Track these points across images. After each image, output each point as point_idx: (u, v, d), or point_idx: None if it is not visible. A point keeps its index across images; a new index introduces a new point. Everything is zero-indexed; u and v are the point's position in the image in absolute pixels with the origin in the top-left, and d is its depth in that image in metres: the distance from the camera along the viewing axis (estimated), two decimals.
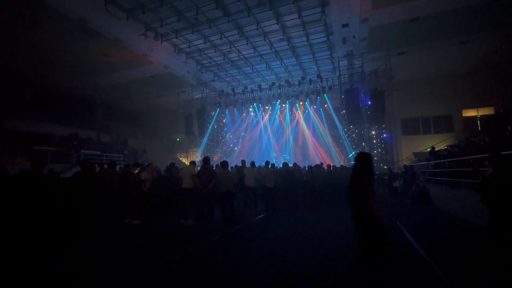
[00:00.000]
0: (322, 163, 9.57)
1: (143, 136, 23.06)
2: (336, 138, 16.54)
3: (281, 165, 16.20)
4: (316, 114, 17.34)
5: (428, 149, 13.43)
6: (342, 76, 15.01)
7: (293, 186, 7.50)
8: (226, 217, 5.51)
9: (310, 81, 15.65)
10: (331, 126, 16.69)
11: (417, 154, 16.12)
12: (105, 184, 5.11)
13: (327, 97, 15.51)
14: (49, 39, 12.34)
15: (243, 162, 8.05)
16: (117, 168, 6.23)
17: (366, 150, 14.47)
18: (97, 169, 8.50)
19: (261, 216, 6.58)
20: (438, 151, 11.10)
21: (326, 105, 16.59)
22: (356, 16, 11.03)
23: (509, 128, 8.67)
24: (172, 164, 7.62)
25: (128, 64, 15.07)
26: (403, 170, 10.71)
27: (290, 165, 10.54)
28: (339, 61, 14.62)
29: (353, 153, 14.30)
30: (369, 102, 14.39)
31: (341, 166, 10.51)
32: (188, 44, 13.42)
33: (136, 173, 6.19)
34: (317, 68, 16.21)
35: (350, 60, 14.61)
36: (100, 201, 4.84)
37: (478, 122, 16.63)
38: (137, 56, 14.09)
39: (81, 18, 10.80)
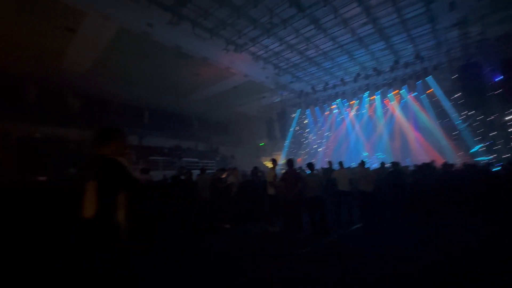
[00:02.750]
0: (433, 161, 7.63)
1: (231, 143, 25.03)
2: (449, 129, 13.20)
3: (374, 165, 14.27)
4: (417, 103, 14.41)
5: None
6: (452, 51, 11.93)
7: (397, 191, 6.10)
8: (316, 226, 4.94)
9: (406, 64, 13.13)
10: (440, 114, 13.44)
11: None
12: (198, 189, 5.52)
13: (432, 80, 12.60)
14: (155, 69, 14.97)
15: (329, 163, 7.27)
16: (207, 173, 6.66)
17: (497, 142, 10.89)
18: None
19: (357, 226, 5.65)
20: None
21: (430, 90, 13.56)
22: None
23: None
24: (255, 168, 7.65)
25: (214, 78, 16.62)
26: None
27: (387, 165, 8.97)
28: (446, 33, 11.67)
29: (479, 146, 11.01)
30: (499, 78, 10.80)
31: (465, 164, 7.99)
32: (264, 49, 13.65)
33: (224, 177, 6.46)
34: (414, 47, 13.49)
35: (463, 29, 11.42)
36: (194, 204, 5.23)
37: None
38: (221, 70, 15.32)
39: (176, 45, 12.55)
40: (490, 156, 10.83)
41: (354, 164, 12.79)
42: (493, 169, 7.97)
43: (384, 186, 6.10)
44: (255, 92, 18.97)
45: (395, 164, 6.43)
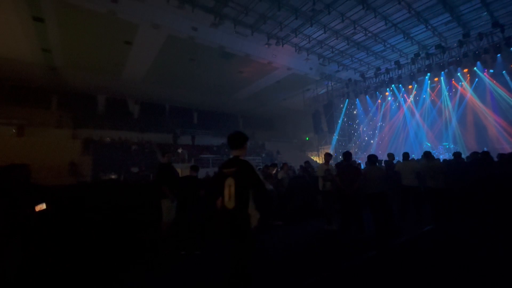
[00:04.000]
0: None
1: (276, 139, 24.90)
2: None
3: (441, 156, 12.52)
4: (494, 81, 12.11)
5: None
6: None
7: (485, 186, 5.02)
8: (380, 226, 4.41)
9: (480, 36, 11.09)
10: None
11: None
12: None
13: None
14: (201, 71, 15.64)
15: (390, 155, 6.51)
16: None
17: None
18: None
19: (429, 227, 4.89)
20: None
21: None
22: None
23: None
24: (307, 163, 7.33)
25: (257, 75, 16.64)
26: None
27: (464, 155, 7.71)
28: None
29: None
30: None
31: None
32: (307, 39, 13.06)
33: (274, 173, 6.33)
34: (489, 14, 11.30)
35: None
36: None
37: None
38: (264, 66, 15.24)
39: (220, 45, 12.86)
40: None
41: (414, 156, 11.42)
42: None
43: (465, 181, 5.12)
44: (299, 85, 18.42)
45: (485, 154, 5.27)
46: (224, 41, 12.57)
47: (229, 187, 2.29)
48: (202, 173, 12.77)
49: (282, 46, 13.14)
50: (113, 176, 9.42)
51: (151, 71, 15.14)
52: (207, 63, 14.69)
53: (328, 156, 5.44)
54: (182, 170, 11.64)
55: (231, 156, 2.53)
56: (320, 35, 12.73)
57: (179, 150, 14.99)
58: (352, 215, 4.60)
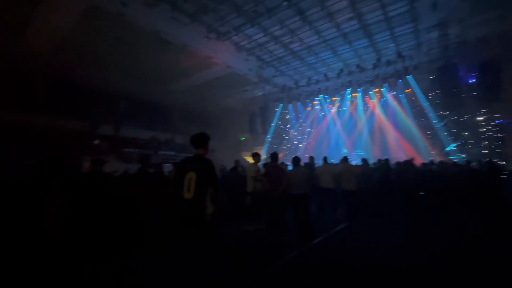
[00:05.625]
0: (412, 159, 7.70)
1: (212, 137, 24.22)
2: (426, 128, 13.62)
3: (354, 162, 14.42)
4: (396, 101, 14.71)
5: None
6: (432, 52, 12.19)
7: (386, 188, 5.92)
8: (301, 226, 4.63)
9: (388, 63, 13.27)
10: (418, 114, 13.84)
11: None
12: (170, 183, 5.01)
13: (412, 79, 12.85)
14: (131, 55, 13.91)
15: (311, 158, 7.03)
16: None
17: (471, 141, 11.36)
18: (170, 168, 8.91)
19: (342, 226, 5.43)
20: None
21: (409, 90, 13.86)
22: None
23: None
24: (237, 162, 7.25)
25: (196, 68, 15.86)
26: None
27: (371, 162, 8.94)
28: (427, 33, 11.89)
29: (452, 145, 11.40)
30: (474, 80, 11.21)
31: (441, 161, 8.14)
32: (248, 39, 13.15)
33: None
34: (396, 46, 13.65)
35: (444, 30, 11.67)
36: (164, 202, 4.71)
37: None
38: (203, 59, 14.62)
39: (154, 29, 11.69)
40: (462, 155, 11.28)
41: (334, 161, 12.87)
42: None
43: (370, 184, 5.96)
44: (238, 84, 18.44)
45: (386, 161, 6.28)
46: (159, 25, 11.48)
47: (190, 180, 2.55)
48: (133, 170, 11.31)
49: (223, 42, 12.85)
50: None
51: (66, 43, 12.59)
52: (139, 46, 13.14)
53: (257, 156, 5.46)
54: None
55: (192, 154, 2.86)
56: (260, 37, 12.97)
57: (96, 142, 12.95)
58: (277, 216, 4.70)
